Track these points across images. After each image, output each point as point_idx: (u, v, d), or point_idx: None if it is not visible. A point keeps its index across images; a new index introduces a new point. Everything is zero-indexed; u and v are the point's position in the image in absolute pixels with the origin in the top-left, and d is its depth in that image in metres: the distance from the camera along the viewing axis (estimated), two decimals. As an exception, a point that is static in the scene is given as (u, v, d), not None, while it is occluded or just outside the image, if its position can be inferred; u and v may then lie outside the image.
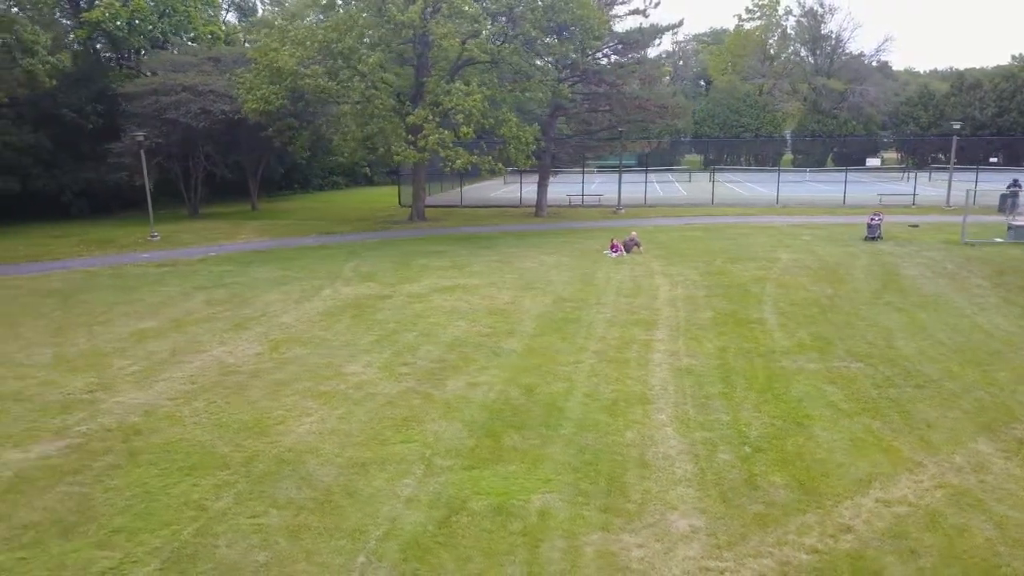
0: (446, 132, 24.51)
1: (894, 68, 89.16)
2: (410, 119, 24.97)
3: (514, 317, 16.28)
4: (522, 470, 9.06)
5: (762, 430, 10.16)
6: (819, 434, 10.02)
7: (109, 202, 36.36)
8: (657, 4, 30.91)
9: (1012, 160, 64.10)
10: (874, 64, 74.92)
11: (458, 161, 24.81)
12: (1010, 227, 26.47)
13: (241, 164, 36.17)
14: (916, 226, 29.41)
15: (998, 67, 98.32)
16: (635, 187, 38.41)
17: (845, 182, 37.75)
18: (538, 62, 27.65)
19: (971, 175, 37.73)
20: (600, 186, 38.50)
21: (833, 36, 72.93)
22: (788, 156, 72.42)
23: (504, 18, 26.30)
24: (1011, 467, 8.94)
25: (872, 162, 55.31)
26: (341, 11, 24.66)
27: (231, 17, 47.77)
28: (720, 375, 12.40)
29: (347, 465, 9.25)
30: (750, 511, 8.03)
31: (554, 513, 8.04)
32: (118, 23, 33.55)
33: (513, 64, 25.46)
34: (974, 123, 68.57)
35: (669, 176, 47.14)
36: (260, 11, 47.32)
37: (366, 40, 25.04)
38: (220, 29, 40.61)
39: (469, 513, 8.05)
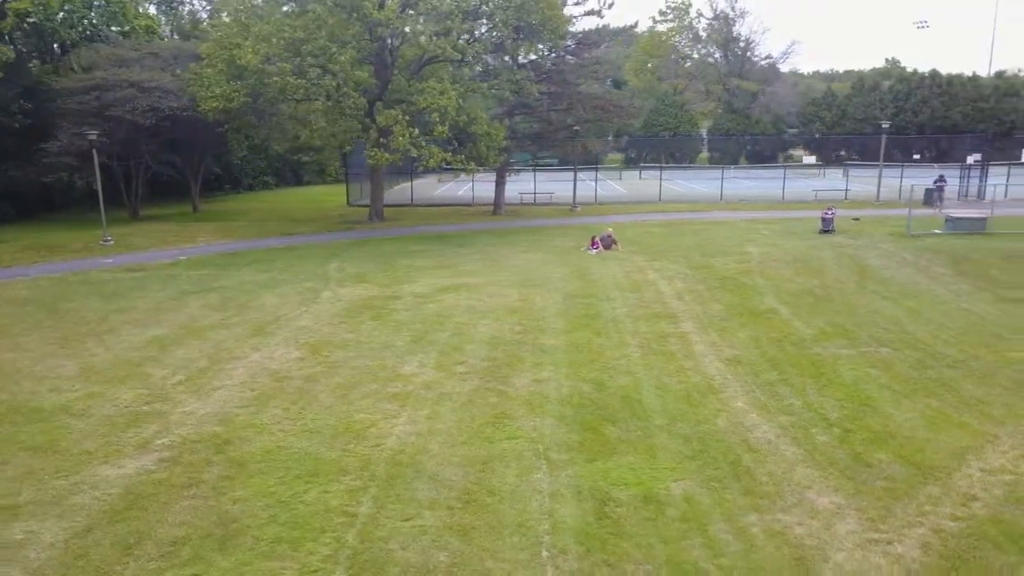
0: (416, 130, 24.36)
1: (800, 71, 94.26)
2: (379, 119, 24.69)
3: (535, 314, 16.46)
4: (641, 460, 9.31)
5: (839, 412, 10.76)
6: (891, 413, 10.71)
7: (37, 205, 34.18)
8: (611, 5, 31.65)
9: (907, 156, 68.60)
10: (781, 66, 78.69)
11: (431, 160, 24.72)
12: (948, 219, 28.56)
13: (182, 164, 34.71)
14: (858, 219, 31.24)
15: (873, 69, 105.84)
16: (576, 184, 39.02)
17: (784, 178, 39.68)
18: (506, 59, 27.83)
19: (877, 171, 40.22)
20: (541, 185, 38.88)
21: (743, 39, 76.14)
22: (704, 154, 75.13)
23: (475, 16, 26.36)
24: (1078, 435, 9.87)
25: (808, 159, 58.13)
26: (311, 10, 24.05)
27: (151, 9, 45.52)
28: (768, 363, 12.99)
29: (466, 463, 9.27)
30: (877, 486, 8.56)
31: (699, 499, 8.35)
32: (48, 13, 31.49)
33: (483, 63, 25.56)
34: (874, 122, 72.97)
35: (597, 175, 47.70)
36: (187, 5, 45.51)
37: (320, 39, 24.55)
38: (154, 23, 38.75)
39: (619, 503, 8.25)
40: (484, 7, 25.79)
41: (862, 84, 76.44)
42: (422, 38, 24.41)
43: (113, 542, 7.56)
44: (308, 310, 17.07)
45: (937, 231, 28.14)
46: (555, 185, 39.16)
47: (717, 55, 76.82)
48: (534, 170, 39.03)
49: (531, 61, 27.78)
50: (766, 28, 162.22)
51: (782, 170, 48.47)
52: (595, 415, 10.77)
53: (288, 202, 40.74)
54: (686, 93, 77.12)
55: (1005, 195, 37.54)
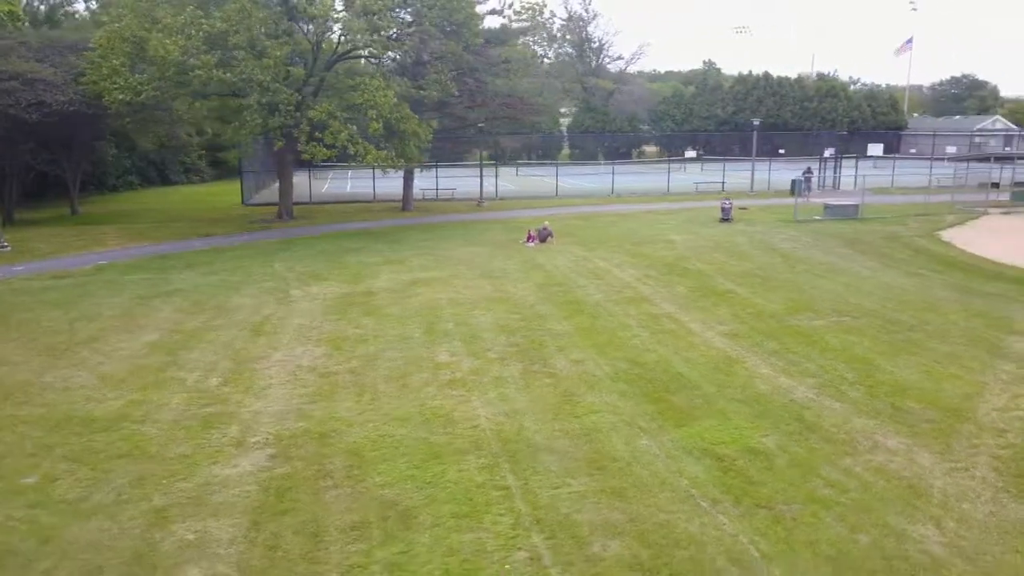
0: (354, 127, 24.27)
1: (650, 71, 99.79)
2: (312, 114, 24.34)
3: (521, 303, 17.19)
4: (720, 423, 10.39)
5: (850, 372, 12.36)
6: (891, 370, 12.44)
7: None
8: (511, 5, 32.68)
9: (746, 152, 74.58)
10: (633, 67, 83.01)
11: (368, 156, 24.66)
12: (826, 206, 31.94)
13: (61, 163, 32.18)
14: (745, 208, 34.15)
15: (692, 70, 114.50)
16: (470, 181, 39.86)
17: (668, 172, 42.45)
18: (425, 57, 28.12)
19: (722, 165, 44.14)
20: (442, 181, 39.32)
21: (597, 40, 79.68)
22: (566, 151, 77.91)
23: (404, 13, 26.49)
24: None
25: (689, 153, 61.79)
26: (237, 1, 23.25)
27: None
28: (762, 335, 14.50)
29: (570, 437, 9.96)
30: (925, 428, 10.12)
31: (793, 449, 9.53)
32: None
33: (406, 61, 25.80)
34: (717, 120, 78.82)
35: (497, 171, 48.27)
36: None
37: (262, 32, 23.87)
38: (17, 8, 35.31)
39: (731, 458, 9.27)
40: (417, 5, 25.96)
41: (705, 84, 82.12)
42: (359, 35, 24.22)
43: (295, 532, 7.66)
44: (291, 309, 16.86)
45: (817, 217, 31.39)
46: (455, 181, 39.72)
47: (573, 54, 79.80)
48: (435, 166, 39.36)
49: (449, 59, 28.17)
50: (617, 30, 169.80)
51: (642, 165, 51.53)
52: (650, 388, 11.72)
53: (170, 203, 38.62)
54: (544, 93, 79.60)
55: (854, 185, 42.12)
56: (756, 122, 42.41)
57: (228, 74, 23.32)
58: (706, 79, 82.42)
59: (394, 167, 27.23)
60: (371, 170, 35.08)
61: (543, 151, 75.36)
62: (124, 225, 29.71)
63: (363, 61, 28.10)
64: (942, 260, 22.68)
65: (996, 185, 36.07)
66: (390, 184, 37.71)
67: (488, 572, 6.95)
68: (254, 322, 15.72)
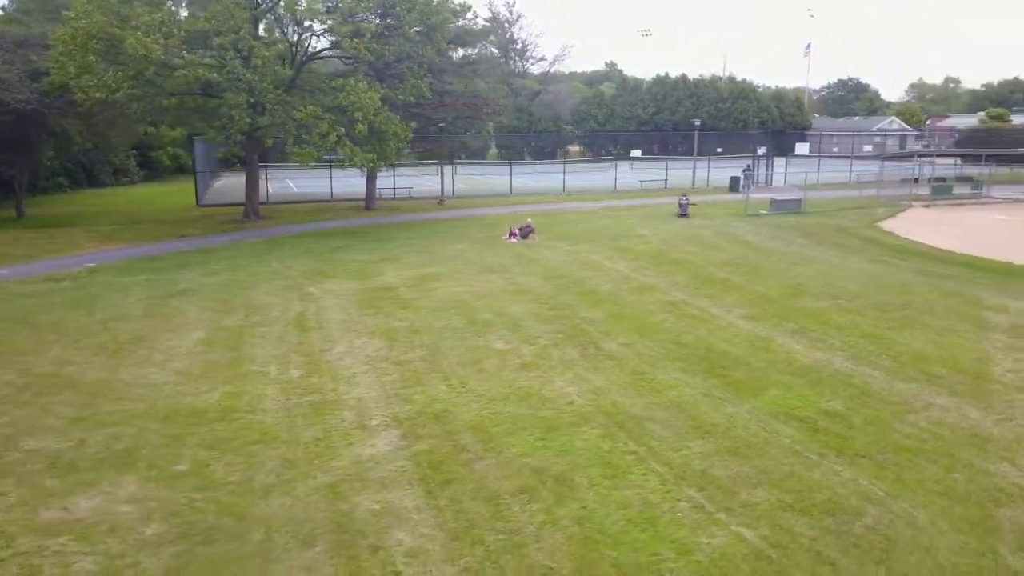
0: (342, 128, 24.55)
1: (572, 71, 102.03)
2: (298, 115, 24.47)
3: (541, 294, 18.10)
4: (785, 392, 11.64)
5: (872, 345, 13.89)
6: (906, 343, 14.03)
7: None
8: (469, 8, 33.44)
9: (666, 152, 77.47)
10: (556, 68, 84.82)
11: (355, 158, 24.97)
12: (772, 201, 34.16)
13: (12, 163, 30.89)
14: (695, 204, 36.02)
15: (595, 71, 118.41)
16: (423, 180, 40.37)
17: (615, 170, 44.01)
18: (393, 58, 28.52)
19: (659, 163, 46.38)
20: (400, 180, 39.64)
21: (520, 41, 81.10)
22: (493, 150, 78.92)
23: (381, 16, 26.83)
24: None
25: (634, 152, 63.51)
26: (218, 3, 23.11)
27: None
28: (776, 317, 15.94)
29: (663, 408, 11.00)
30: (961, 388, 11.67)
31: (861, 411, 10.87)
32: None
33: (383, 62, 26.24)
34: (638, 120, 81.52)
35: (455, 170, 48.26)
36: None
37: (242, 32, 23.78)
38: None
39: (813, 420, 10.53)
40: (394, 9, 26.39)
41: (625, 85, 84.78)
42: (344, 40, 24.45)
43: (471, 497, 8.38)
44: (321, 305, 17.21)
45: (764, 211, 33.55)
46: (410, 180, 40.15)
47: (497, 55, 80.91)
48: (393, 165, 39.56)
49: (423, 61, 28.72)
50: (540, 32, 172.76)
51: (572, 164, 53.09)
52: (706, 365, 12.89)
53: (117, 205, 37.37)
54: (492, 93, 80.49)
55: (784, 181, 44.97)
56: (697, 123, 44.65)
57: (215, 74, 23.18)
58: (625, 81, 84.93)
59: (377, 168, 27.56)
60: (317, 169, 35.17)
61: (473, 151, 76.10)
62: (88, 227, 28.86)
63: (336, 61, 28.21)
64: (893, 248, 24.91)
65: (917, 180, 39.27)
66: (345, 183, 37.90)
67: (664, 519, 7.90)
68: (292, 318, 16.04)
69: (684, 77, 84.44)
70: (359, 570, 7.03)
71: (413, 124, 27.20)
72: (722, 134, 76.23)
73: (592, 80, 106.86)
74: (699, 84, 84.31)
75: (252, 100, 23.51)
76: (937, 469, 8.97)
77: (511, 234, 26.22)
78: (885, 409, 10.83)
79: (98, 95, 23.75)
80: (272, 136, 24.94)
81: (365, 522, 7.87)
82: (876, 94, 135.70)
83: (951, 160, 53.42)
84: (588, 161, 64.03)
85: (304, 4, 23.81)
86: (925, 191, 38.14)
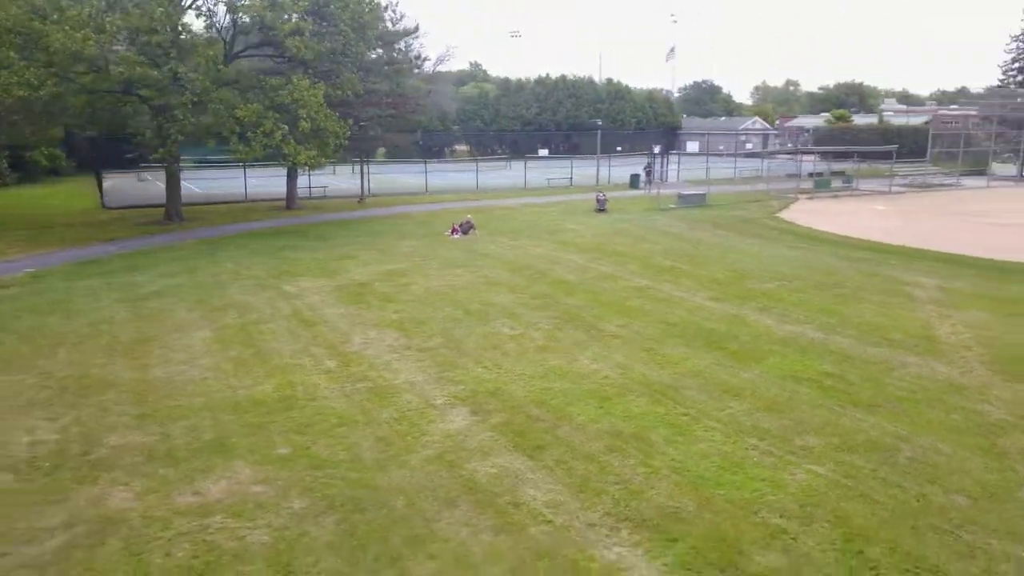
0: (286, 127, 24.51)
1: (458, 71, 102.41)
2: (240, 113, 24.20)
3: (517, 286, 19.08)
4: (790, 360, 13.25)
5: (831, 318, 15.85)
6: (857, 316, 16.11)
7: None
8: (396, 7, 33.90)
9: (553, 150, 79.97)
10: (441, 68, 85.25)
11: (299, 156, 24.95)
12: (679, 196, 36.63)
13: None
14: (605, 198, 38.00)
15: (460, 71, 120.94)
16: (363, 177, 40.28)
17: (525, 170, 45.40)
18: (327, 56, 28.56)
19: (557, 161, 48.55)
20: (315, 179, 39.31)
21: (403, 42, 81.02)
22: (382, 149, 78.63)
23: (315, 16, 26.84)
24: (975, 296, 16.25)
25: (542, 151, 64.69)
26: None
27: None
28: (739, 298, 17.73)
29: (691, 376, 12.35)
30: (920, 349, 13.73)
31: (852, 370, 12.67)
32: None
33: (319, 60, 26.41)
34: (523, 120, 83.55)
35: (368, 168, 47.29)
36: None
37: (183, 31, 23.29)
38: None
39: (817, 379, 12.21)
40: (327, 8, 26.50)
41: (508, 86, 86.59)
42: (289, 40, 24.32)
43: (572, 458, 9.37)
44: (306, 302, 17.41)
45: (672, 206, 35.96)
46: (324, 179, 39.97)
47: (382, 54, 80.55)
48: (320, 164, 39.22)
49: (356, 59, 28.95)
50: (425, 32, 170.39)
51: (523, 162, 54.13)
52: (702, 341, 14.35)
53: (7, 208, 35.06)
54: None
55: (678, 177, 47.96)
56: (599, 123, 46.79)
57: (156, 72, 22.60)
58: (508, 81, 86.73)
59: (318, 166, 27.56)
60: (220, 170, 34.71)
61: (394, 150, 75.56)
62: (-4, 232, 27.17)
63: (262, 60, 27.99)
64: (803, 236, 27.63)
65: (800, 175, 43.04)
66: (255, 184, 37.38)
67: (746, 464, 9.18)
68: (287, 315, 16.28)
69: (563, 78, 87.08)
70: (513, 521, 7.88)
71: (349, 121, 27.42)
72: (617, 133, 79.29)
73: (458, 80, 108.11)
74: (578, 84, 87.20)
75: (195, 99, 23.06)
76: (937, 412, 10.77)
77: (453, 230, 26.99)
78: (871, 369, 12.64)
79: (21, 93, 22.58)
80: (213, 136, 24.50)
81: (490, 484, 8.69)
82: (729, 96, 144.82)
83: (812, 157, 58.51)
84: (498, 159, 65.21)
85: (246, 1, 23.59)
86: (808, 185, 41.86)
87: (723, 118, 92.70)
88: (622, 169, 47.55)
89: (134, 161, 39.04)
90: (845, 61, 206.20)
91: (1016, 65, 52.74)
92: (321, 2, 26.39)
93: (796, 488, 8.53)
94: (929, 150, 50.44)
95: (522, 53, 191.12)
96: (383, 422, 10.46)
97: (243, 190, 36.83)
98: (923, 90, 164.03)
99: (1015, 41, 53.16)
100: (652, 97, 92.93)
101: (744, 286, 18.82)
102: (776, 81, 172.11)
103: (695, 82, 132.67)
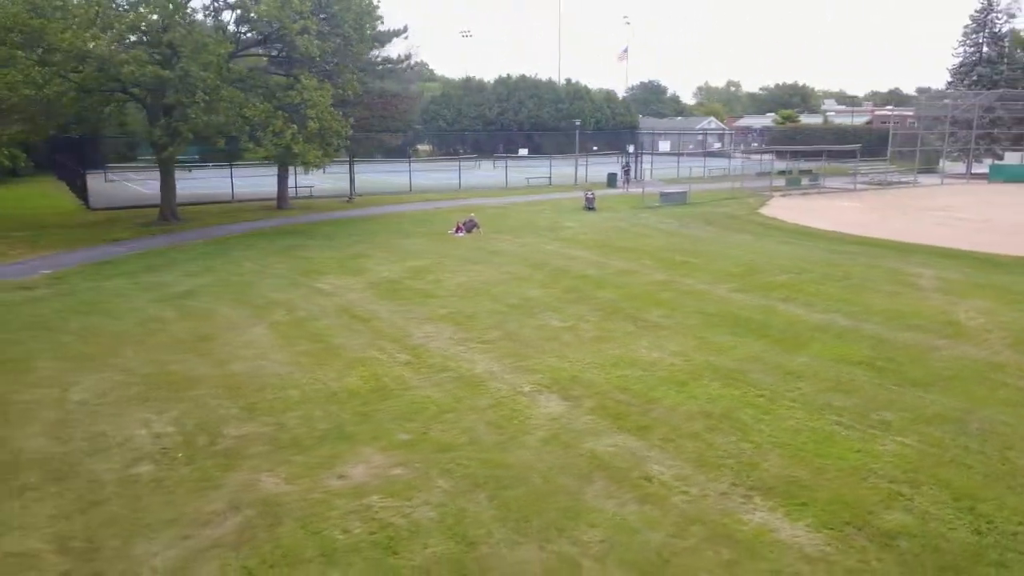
0: (295, 127, 24.65)
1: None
2: (248, 112, 24.26)
3: (544, 281, 19.71)
4: (825, 344, 14.17)
5: (852, 307, 16.89)
6: (878, 304, 17.21)
7: None
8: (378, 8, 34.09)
9: (510, 150, 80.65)
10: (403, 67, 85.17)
11: (309, 155, 25.10)
12: (662, 194, 37.71)
13: None
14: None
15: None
16: (352, 177, 40.31)
17: (506, 168, 45.99)
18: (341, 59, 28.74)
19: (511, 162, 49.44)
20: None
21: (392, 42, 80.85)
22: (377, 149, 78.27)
23: (322, 16, 26.98)
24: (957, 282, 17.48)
25: (522, 151, 65.09)
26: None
27: None
28: (759, 289, 18.70)
29: (752, 361, 13.15)
30: (949, 332, 14.85)
31: (895, 354, 13.67)
32: None
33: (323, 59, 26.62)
34: (485, 119, 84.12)
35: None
36: None
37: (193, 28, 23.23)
38: None
39: (867, 362, 13.17)
40: (331, 8, 26.69)
41: (470, 86, 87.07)
42: (299, 39, 24.45)
43: (677, 436, 10.10)
44: (347, 299, 17.74)
45: (655, 204, 37.04)
46: (310, 179, 39.92)
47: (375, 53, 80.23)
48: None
49: (356, 60, 29.19)
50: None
51: (504, 162, 54.61)
52: (744, 329, 15.20)
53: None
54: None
55: (651, 176, 49.17)
56: (577, 123, 47.64)
57: (168, 71, 22.52)
58: (469, 82, 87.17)
59: (323, 166, 27.70)
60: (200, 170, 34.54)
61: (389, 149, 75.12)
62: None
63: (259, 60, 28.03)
64: (790, 231, 28.90)
65: (772, 173, 44.63)
66: (239, 184, 37.21)
67: (836, 437, 9.98)
68: (335, 311, 16.61)
69: (524, 77, 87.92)
70: (651, 492, 8.53)
71: (350, 120, 27.67)
72: (581, 133, 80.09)
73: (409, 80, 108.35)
74: (539, 85, 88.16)
75: (207, 98, 23.06)
76: (985, 388, 11.78)
77: (457, 228, 27.48)
78: (909, 352, 13.65)
79: (27, 92, 22.29)
80: (224, 135, 24.50)
81: (614, 460, 9.33)
82: (677, 96, 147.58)
83: (771, 155, 60.54)
84: (466, 159, 65.52)
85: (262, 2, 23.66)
86: (780, 183, 43.45)
87: (679, 118, 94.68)
88: (592, 168, 48.51)
89: (100, 161, 38.56)
90: (781, 62, 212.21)
91: (963, 69, 55.48)
92: (323, 2, 26.56)
93: (891, 457, 9.37)
94: (889, 149, 52.75)
95: (468, 53, 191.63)
96: (483, 408, 10.98)
97: (228, 190, 36.56)
98: (858, 91, 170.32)
99: (962, 45, 55.87)
100: (610, 98, 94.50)
101: (759, 279, 19.78)
102: (718, 82, 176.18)
103: (642, 82, 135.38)
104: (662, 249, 24.29)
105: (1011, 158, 51.42)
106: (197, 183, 40.88)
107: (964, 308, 16.70)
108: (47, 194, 40.48)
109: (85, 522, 7.86)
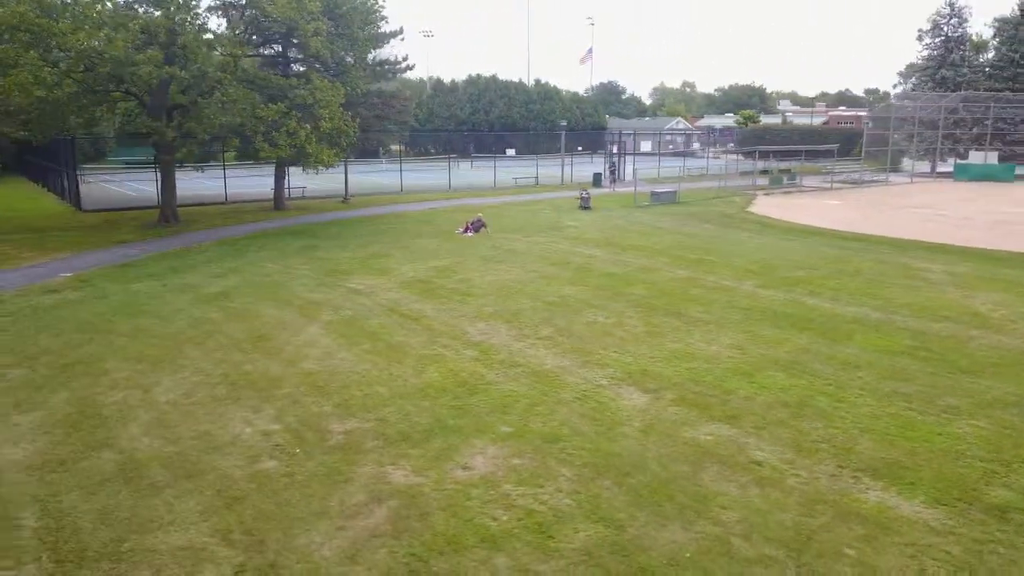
0: (309, 126, 24.67)
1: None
2: (262, 112, 24.20)
3: (572, 279, 20.15)
4: (867, 336, 14.84)
5: (878, 300, 17.67)
6: (900, 298, 18.03)
7: None
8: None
9: (480, 150, 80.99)
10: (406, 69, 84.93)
11: (323, 155, 25.13)
12: (653, 193, 38.43)
13: None
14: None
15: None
16: (347, 177, 40.26)
17: (495, 168, 46.30)
18: (349, 59, 28.79)
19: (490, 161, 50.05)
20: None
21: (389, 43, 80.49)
22: (385, 148, 77.80)
23: (328, 17, 26.98)
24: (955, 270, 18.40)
25: (509, 151, 65.21)
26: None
27: None
28: (781, 284, 19.40)
29: (806, 353, 13.78)
30: (976, 322, 15.68)
31: (935, 344, 14.42)
32: None
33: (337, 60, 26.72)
34: (457, 120, 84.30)
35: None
36: None
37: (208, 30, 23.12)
38: None
39: (911, 351, 13.89)
40: (339, 10, 26.75)
41: (441, 86, 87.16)
42: (313, 40, 24.47)
43: (766, 424, 10.62)
44: (387, 298, 17.93)
45: (646, 203, 37.76)
46: (302, 179, 39.78)
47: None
48: (289, 165, 38.89)
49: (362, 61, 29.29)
50: None
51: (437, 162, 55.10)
52: (787, 322, 15.84)
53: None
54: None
55: (632, 176, 49.93)
56: (564, 123, 48.21)
57: (184, 71, 22.38)
58: (441, 82, 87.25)
59: (332, 165, 27.70)
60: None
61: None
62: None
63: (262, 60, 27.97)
64: (786, 229, 29.79)
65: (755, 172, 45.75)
66: (228, 184, 36.93)
67: (915, 422, 10.61)
68: (383, 311, 16.76)
69: (495, 78, 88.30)
70: (765, 476, 9.01)
71: (357, 120, 27.75)
72: (551, 134, 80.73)
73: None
74: (509, 85, 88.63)
75: (224, 99, 22.96)
76: (1029, 372, 12.56)
77: (466, 228, 27.75)
78: (948, 342, 14.40)
79: (39, 93, 21.97)
80: (238, 135, 24.39)
81: (718, 447, 9.78)
82: (639, 98, 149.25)
83: (737, 155, 61.96)
84: (437, 159, 65.69)
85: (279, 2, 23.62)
86: (763, 182, 44.57)
87: (646, 118, 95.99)
88: (574, 168, 49.08)
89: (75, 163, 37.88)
90: (732, 63, 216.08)
91: (928, 72, 57.49)
92: (332, 3, 26.61)
93: (973, 439, 10.01)
94: (864, 149, 54.42)
95: (431, 53, 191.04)
96: (570, 401, 11.36)
97: (219, 191, 36.24)
98: (808, 91, 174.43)
99: (926, 48, 57.88)
100: (579, 99, 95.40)
101: (777, 275, 20.47)
102: (673, 82, 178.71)
103: (601, 83, 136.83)
104: (672, 247, 24.89)
105: (975, 157, 53.47)
106: (185, 184, 40.32)
107: (981, 301, 17.57)
108: (27, 195, 39.58)
109: (235, 516, 8.03)
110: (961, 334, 14.81)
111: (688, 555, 7.33)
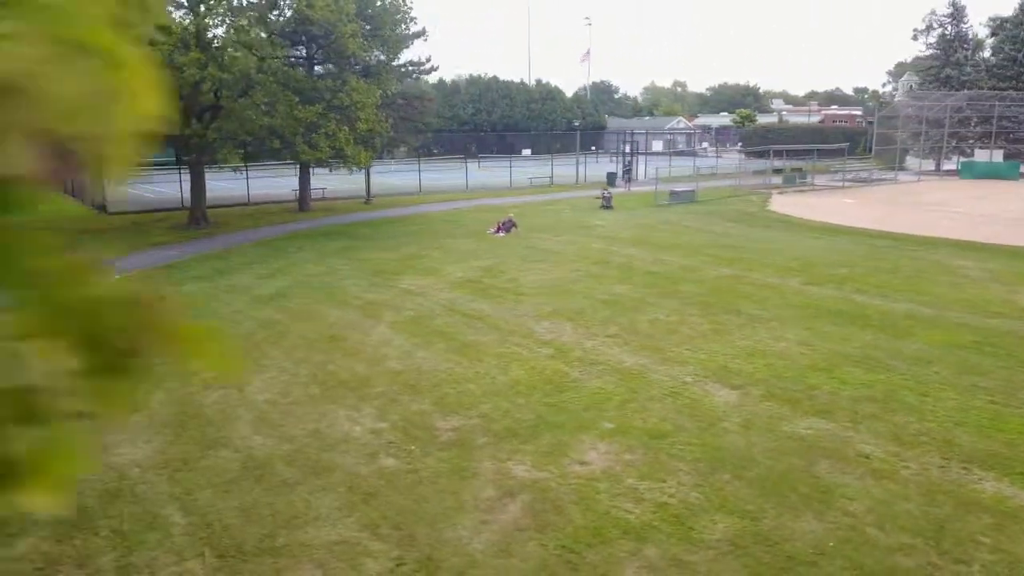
0: (346, 128, 24.82)
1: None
2: (301, 114, 24.33)
3: (618, 278, 20.38)
4: (930, 332, 15.15)
5: (919, 296, 18.01)
6: (937, 292, 18.32)
7: None
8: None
9: (483, 150, 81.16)
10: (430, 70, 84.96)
11: (361, 157, 25.28)
12: (672, 192, 38.70)
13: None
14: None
15: None
16: (368, 178, 40.39)
17: (511, 168, 46.51)
18: (382, 56, 28.92)
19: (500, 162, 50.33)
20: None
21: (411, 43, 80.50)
22: (402, 149, 77.62)
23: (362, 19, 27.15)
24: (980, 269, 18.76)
25: (525, 152, 65.38)
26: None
27: None
28: (824, 280, 19.67)
29: (873, 348, 14.07)
30: (1012, 313, 16.03)
31: (994, 338, 14.74)
32: None
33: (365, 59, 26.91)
34: (459, 120, 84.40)
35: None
36: None
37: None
38: None
39: (975, 346, 14.18)
40: (368, 10, 26.93)
41: (444, 85, 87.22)
42: (350, 40, 24.65)
43: (860, 419, 10.88)
44: (442, 298, 18.12)
45: (666, 201, 38.04)
46: (322, 181, 39.82)
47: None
48: (313, 166, 38.94)
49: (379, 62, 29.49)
50: None
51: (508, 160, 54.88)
52: (842, 319, 16.11)
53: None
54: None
55: (644, 175, 50.29)
56: (576, 123, 48.45)
57: (225, 74, 22.48)
58: (443, 82, 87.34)
59: (367, 165, 27.85)
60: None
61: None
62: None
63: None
64: (811, 227, 30.13)
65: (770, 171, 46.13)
66: (235, 184, 37.02)
67: (1003, 414, 10.90)
68: (443, 310, 16.96)
69: (496, 78, 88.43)
70: (878, 468, 9.25)
71: (390, 121, 27.92)
72: (552, 134, 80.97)
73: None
74: (510, 85, 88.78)
75: (266, 101, 23.09)
76: (1098, 366, 12.87)
77: (497, 228, 27.94)
78: (1007, 337, 14.69)
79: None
80: (278, 137, 24.51)
81: (821, 440, 10.02)
82: (635, 98, 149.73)
83: (739, 154, 62.37)
84: (450, 159, 65.83)
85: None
86: (776, 180, 44.95)
87: (647, 118, 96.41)
88: (586, 168, 49.34)
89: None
90: (722, 62, 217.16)
91: (932, 71, 58.06)
92: (363, 3, 26.76)
93: (1065, 430, 10.29)
94: (873, 147, 54.93)
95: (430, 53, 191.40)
96: (660, 398, 11.58)
97: (240, 192, 36.27)
98: (798, 90, 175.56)
99: (928, 48, 58.46)
100: (579, 99, 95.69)
101: (819, 272, 20.76)
102: (664, 82, 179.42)
103: (595, 82, 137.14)
104: (705, 245, 25.15)
105: (980, 155, 54.09)
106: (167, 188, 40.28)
107: (1027, 296, 17.89)
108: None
109: (376, 512, 8.21)
110: (1019, 329, 15.12)
111: (832, 544, 7.55)
